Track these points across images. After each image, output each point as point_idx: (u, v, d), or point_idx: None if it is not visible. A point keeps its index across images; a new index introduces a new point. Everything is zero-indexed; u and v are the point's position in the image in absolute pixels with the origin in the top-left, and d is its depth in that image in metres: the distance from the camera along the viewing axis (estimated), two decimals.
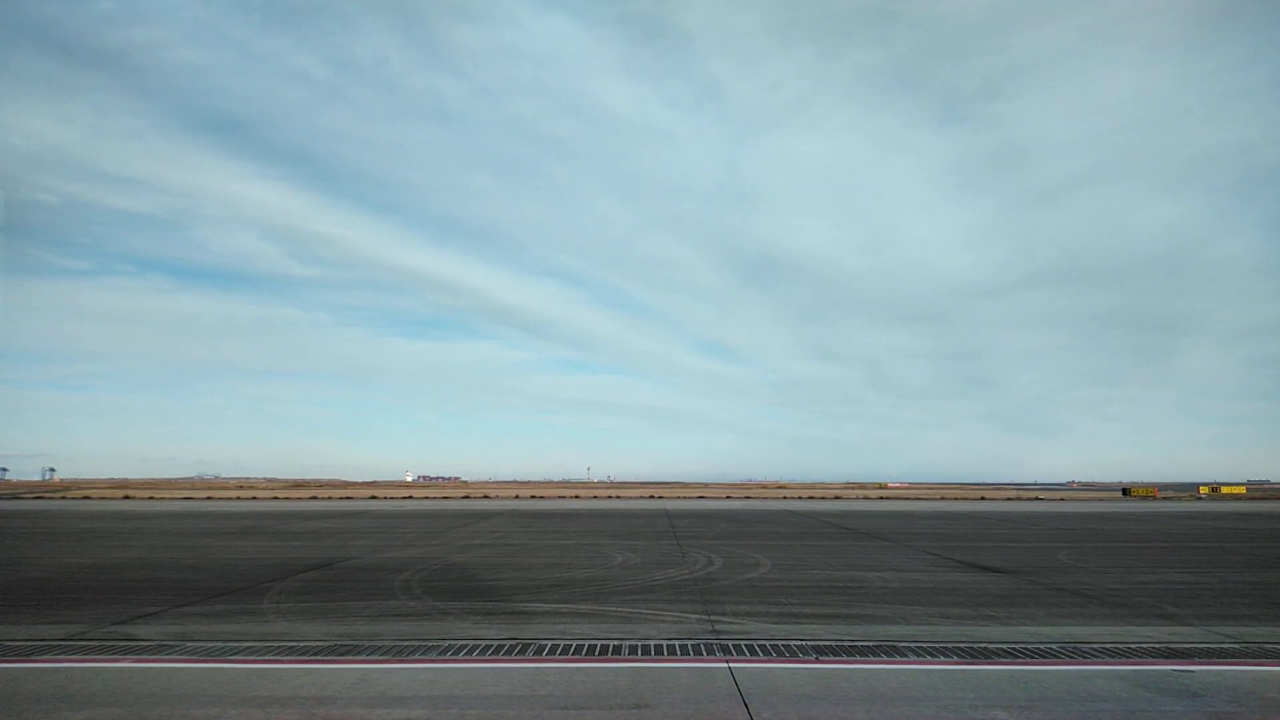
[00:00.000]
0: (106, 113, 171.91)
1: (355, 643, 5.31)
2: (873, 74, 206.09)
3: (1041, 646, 5.30)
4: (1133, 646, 5.34)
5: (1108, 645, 5.37)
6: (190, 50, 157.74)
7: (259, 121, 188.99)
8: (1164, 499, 48.24)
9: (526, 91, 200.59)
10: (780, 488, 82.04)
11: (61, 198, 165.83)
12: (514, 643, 5.28)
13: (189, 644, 5.25)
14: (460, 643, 5.27)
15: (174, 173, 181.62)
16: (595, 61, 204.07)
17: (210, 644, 5.25)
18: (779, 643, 5.32)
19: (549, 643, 5.28)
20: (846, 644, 5.31)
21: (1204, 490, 64.98)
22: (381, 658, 4.86)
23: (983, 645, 5.32)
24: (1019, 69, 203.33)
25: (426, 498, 36.40)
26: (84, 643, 5.27)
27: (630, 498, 38.70)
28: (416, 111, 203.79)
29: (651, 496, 41.57)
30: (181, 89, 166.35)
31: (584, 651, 5.03)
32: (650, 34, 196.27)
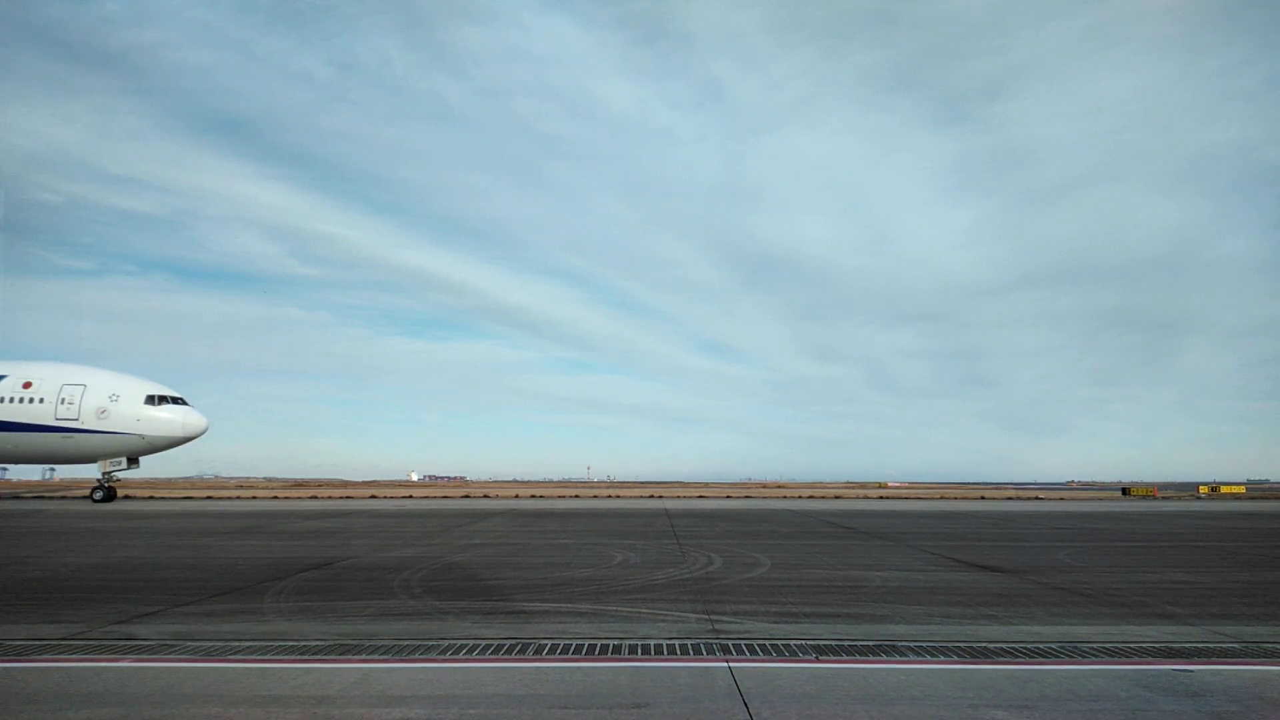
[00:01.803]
0: (109, 113, 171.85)
1: (355, 642, 5.31)
2: (873, 74, 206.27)
3: (1041, 646, 5.30)
4: (1132, 646, 5.34)
5: (1107, 645, 5.38)
6: (194, 51, 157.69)
7: (262, 122, 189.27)
8: (1164, 499, 48.22)
9: (529, 92, 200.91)
10: (780, 487, 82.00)
11: (64, 197, 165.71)
12: (514, 642, 5.28)
13: (189, 643, 5.26)
14: (460, 642, 5.27)
15: (177, 173, 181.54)
16: (597, 62, 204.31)
17: (210, 643, 5.26)
18: (779, 642, 5.32)
19: (549, 642, 5.28)
20: (846, 643, 5.31)
21: (1204, 490, 64.95)
22: (381, 657, 4.86)
23: (982, 645, 5.33)
24: (1019, 69, 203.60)
25: (426, 497, 36.41)
26: (84, 642, 5.27)
27: (630, 497, 38.69)
28: (419, 112, 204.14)
29: (651, 496, 41.55)
30: (185, 90, 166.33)
31: (584, 651, 5.03)
32: (652, 35, 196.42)
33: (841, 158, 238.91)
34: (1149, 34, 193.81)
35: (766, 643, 5.30)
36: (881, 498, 43.59)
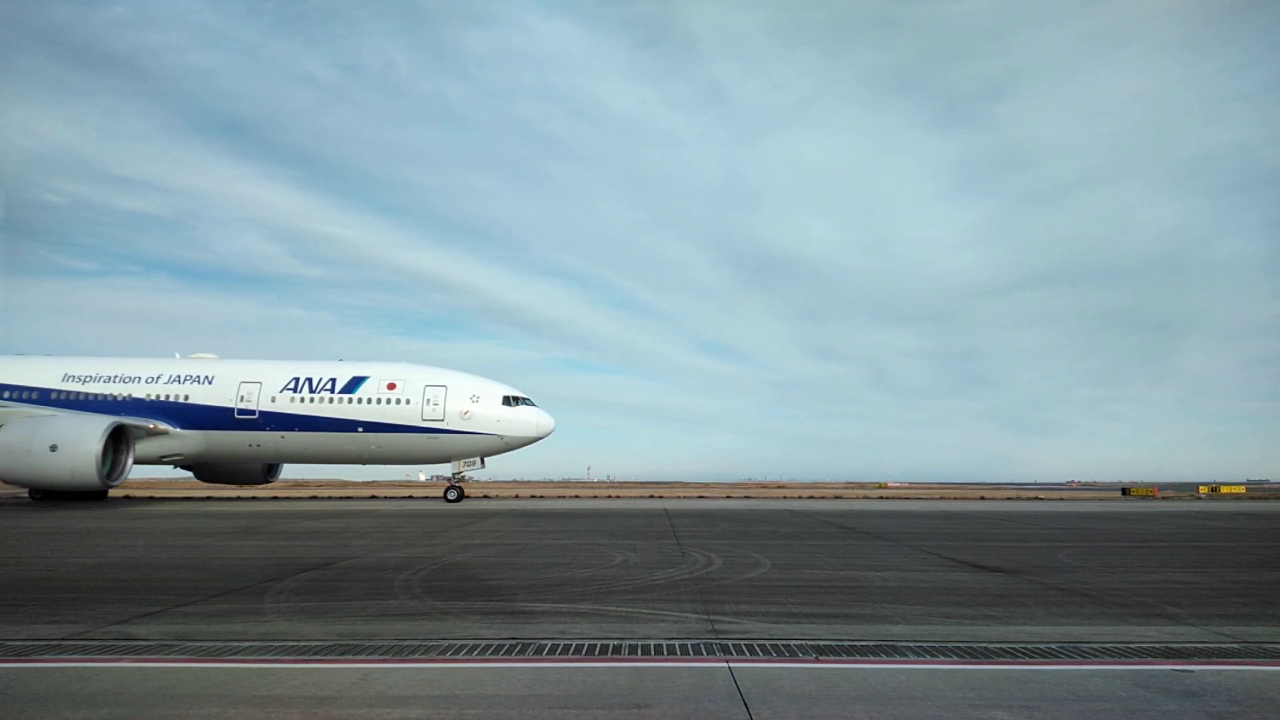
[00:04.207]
0: (114, 115, 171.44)
1: (355, 642, 5.31)
2: (875, 76, 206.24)
3: (1041, 646, 5.30)
4: (1132, 646, 5.34)
5: (1107, 645, 5.38)
6: (199, 54, 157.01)
7: (266, 124, 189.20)
8: (1164, 499, 48.20)
9: (531, 94, 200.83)
10: (780, 487, 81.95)
11: (67, 198, 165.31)
12: (514, 642, 5.28)
13: (189, 643, 5.26)
14: (460, 642, 5.27)
15: (180, 174, 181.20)
16: (600, 64, 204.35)
17: (210, 643, 5.26)
18: (779, 642, 5.33)
19: (549, 642, 5.28)
20: (846, 643, 5.31)
21: (1204, 490, 64.97)
22: (381, 657, 4.86)
23: (982, 645, 5.33)
24: (1020, 71, 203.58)
25: (426, 497, 36.40)
26: (84, 642, 5.27)
27: (630, 497, 38.68)
28: (422, 114, 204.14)
29: (651, 496, 41.54)
30: (190, 92, 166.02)
31: (584, 651, 5.04)
32: (655, 37, 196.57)
33: (843, 159, 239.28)
34: (1150, 36, 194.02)
35: (766, 643, 5.30)
36: (881, 498, 43.58)
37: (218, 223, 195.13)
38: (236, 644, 5.23)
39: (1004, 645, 5.31)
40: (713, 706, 3.81)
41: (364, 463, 30.14)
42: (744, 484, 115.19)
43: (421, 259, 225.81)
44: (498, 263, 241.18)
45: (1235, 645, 5.45)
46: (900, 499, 41.02)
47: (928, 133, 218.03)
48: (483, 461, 28.94)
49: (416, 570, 9.18)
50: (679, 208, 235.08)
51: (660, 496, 41.00)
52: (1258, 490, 77.64)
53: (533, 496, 38.81)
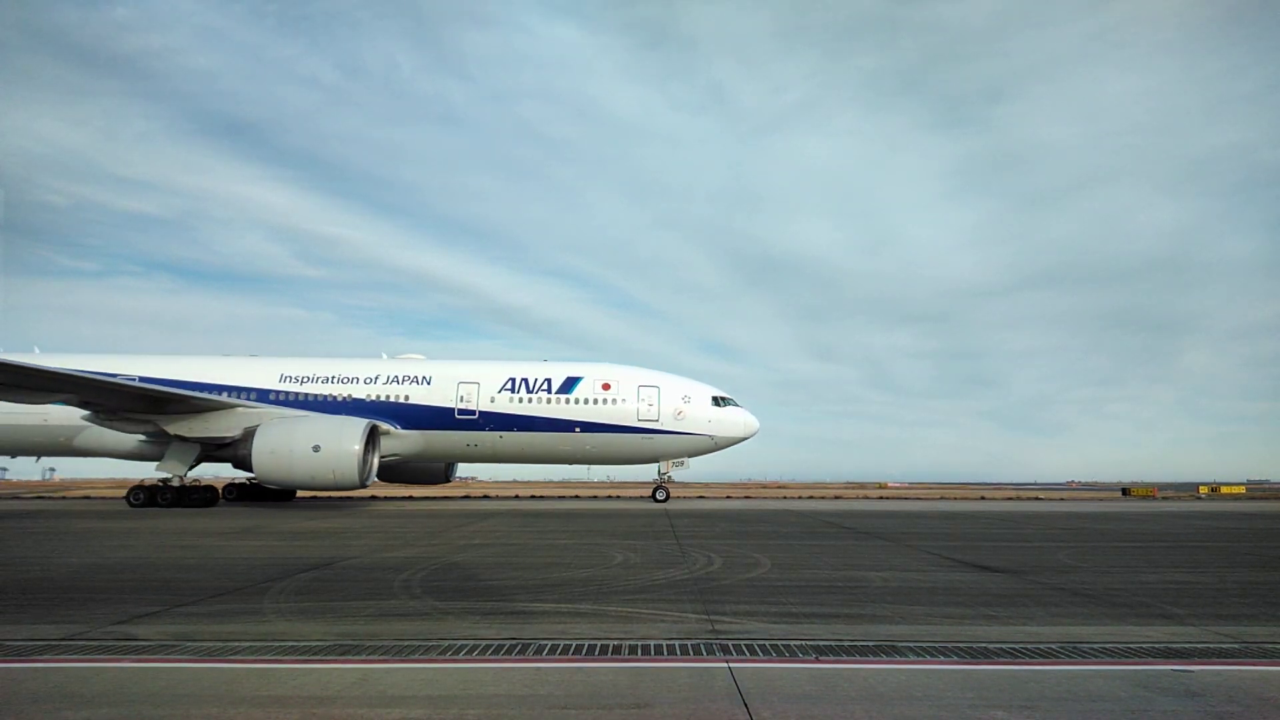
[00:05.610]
0: (117, 116, 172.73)
1: (355, 642, 5.31)
2: (877, 78, 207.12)
3: (1041, 646, 5.30)
4: (1132, 646, 5.34)
5: (1107, 645, 5.38)
6: (202, 56, 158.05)
7: (268, 125, 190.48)
8: (1164, 499, 48.17)
9: (533, 96, 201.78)
10: (780, 487, 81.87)
11: (70, 199, 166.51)
12: (514, 642, 5.28)
13: (189, 644, 5.26)
14: (460, 642, 5.27)
15: (183, 175, 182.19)
16: (601, 66, 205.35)
17: (210, 643, 5.26)
18: (779, 642, 5.33)
19: (549, 642, 5.28)
20: (846, 644, 5.32)
21: (1204, 490, 64.96)
22: (381, 657, 4.86)
23: (982, 645, 5.33)
24: (1021, 73, 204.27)
25: (426, 497, 36.38)
26: (84, 643, 5.27)
27: (630, 497, 38.66)
28: (424, 115, 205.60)
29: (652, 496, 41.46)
30: (192, 93, 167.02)
31: (584, 651, 5.04)
32: (656, 39, 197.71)
33: (844, 160, 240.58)
34: (1151, 38, 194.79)
35: (766, 643, 5.30)
36: (882, 498, 43.56)
37: (220, 224, 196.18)
38: (236, 644, 5.23)
39: (1004, 645, 5.31)
40: (713, 706, 3.81)
41: (575, 463, 30.00)
42: (744, 484, 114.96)
43: (423, 259, 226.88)
44: (499, 263, 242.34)
45: (1235, 645, 5.45)
46: (900, 499, 41.00)
47: (929, 134, 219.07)
48: (687, 462, 29.04)
49: (416, 570, 9.17)
50: (680, 209, 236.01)
51: None
52: (1258, 490, 77.59)
53: (533, 496, 38.81)
